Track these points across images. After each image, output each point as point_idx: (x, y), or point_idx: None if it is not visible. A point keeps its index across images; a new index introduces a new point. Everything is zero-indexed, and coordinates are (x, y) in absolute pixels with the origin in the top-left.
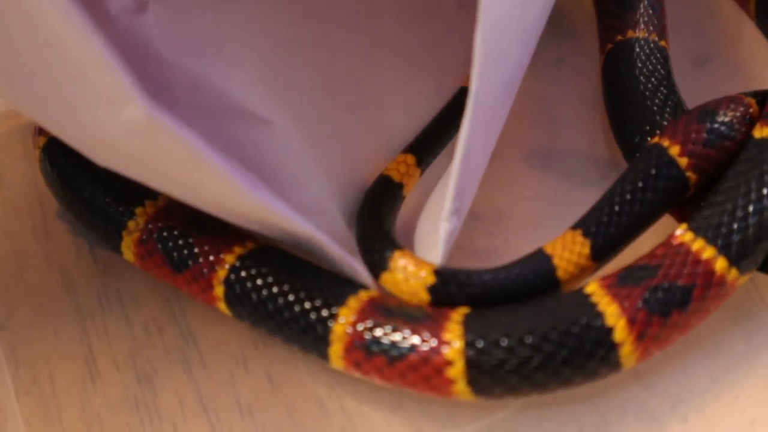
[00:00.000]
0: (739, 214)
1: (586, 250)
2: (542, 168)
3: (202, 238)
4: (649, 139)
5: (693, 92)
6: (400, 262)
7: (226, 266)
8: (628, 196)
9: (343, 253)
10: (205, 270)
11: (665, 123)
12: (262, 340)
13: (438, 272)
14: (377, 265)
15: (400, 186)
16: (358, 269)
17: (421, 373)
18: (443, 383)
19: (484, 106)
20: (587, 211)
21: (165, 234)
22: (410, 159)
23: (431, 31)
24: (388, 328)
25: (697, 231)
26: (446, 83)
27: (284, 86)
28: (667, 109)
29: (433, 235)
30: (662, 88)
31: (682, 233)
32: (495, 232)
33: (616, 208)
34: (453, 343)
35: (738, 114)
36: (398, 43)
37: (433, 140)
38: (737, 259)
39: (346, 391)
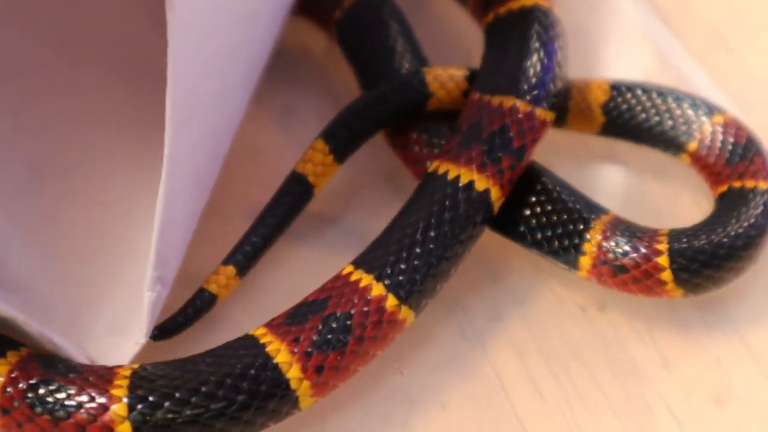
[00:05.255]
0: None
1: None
2: None
3: None
4: None
5: None
6: None
7: None
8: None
9: (43, 330)
10: None
11: None
12: None
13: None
14: None
15: None
16: (63, 345)
17: None
18: None
19: (181, 171)
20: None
21: None
22: None
23: (149, 82)
24: (52, 386)
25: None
26: None
27: None
28: None
29: (140, 305)
30: None
31: None
32: None
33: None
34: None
35: None
36: (111, 100)
37: None
38: None
39: None
